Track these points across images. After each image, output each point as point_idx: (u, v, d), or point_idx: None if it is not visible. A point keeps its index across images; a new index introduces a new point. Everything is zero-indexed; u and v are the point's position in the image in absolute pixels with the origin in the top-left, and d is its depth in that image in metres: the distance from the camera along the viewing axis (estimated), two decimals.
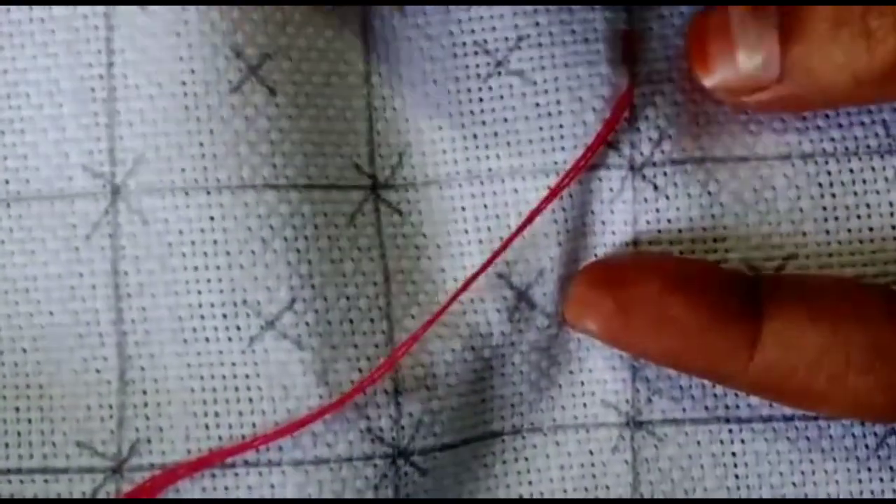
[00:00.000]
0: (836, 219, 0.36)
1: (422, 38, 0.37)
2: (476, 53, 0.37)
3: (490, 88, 0.37)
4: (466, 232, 0.36)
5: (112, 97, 0.35)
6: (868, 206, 0.36)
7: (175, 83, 0.35)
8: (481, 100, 0.37)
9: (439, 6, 0.37)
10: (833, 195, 0.36)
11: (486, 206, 0.36)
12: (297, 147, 0.36)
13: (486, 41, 0.37)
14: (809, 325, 0.33)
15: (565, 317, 0.36)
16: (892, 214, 0.36)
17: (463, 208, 0.37)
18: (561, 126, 0.36)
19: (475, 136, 0.37)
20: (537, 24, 0.36)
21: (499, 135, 0.36)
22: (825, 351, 0.33)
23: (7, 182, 0.35)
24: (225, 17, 0.35)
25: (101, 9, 0.35)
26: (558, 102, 0.36)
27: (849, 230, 0.36)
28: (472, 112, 0.37)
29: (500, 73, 0.37)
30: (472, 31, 0.37)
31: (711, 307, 0.34)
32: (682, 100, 0.36)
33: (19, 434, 0.35)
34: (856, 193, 0.36)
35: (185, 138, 0.35)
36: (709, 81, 0.35)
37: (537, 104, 0.36)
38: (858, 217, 0.36)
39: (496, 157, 0.36)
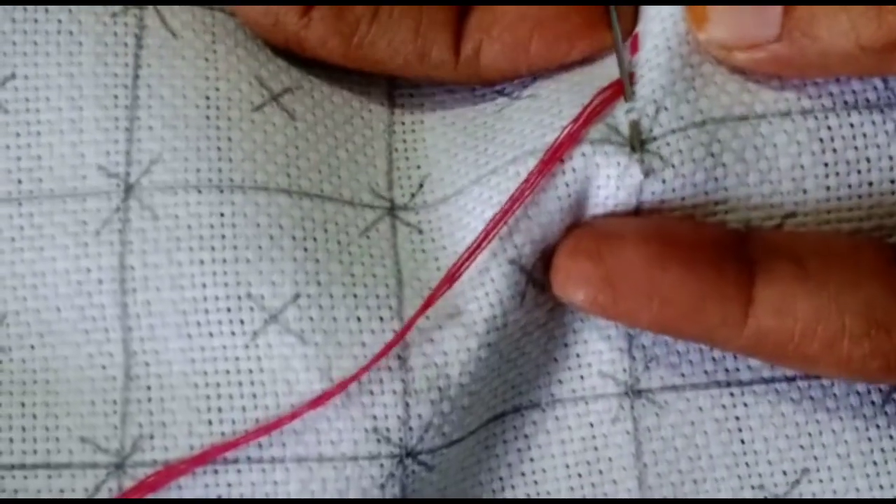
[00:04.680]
0: (837, 174, 0.35)
1: (444, 92, 0.38)
2: (494, 99, 0.38)
3: (503, 117, 0.37)
4: (477, 230, 0.36)
5: (135, 104, 0.36)
6: (868, 160, 0.35)
7: (200, 97, 0.36)
8: (494, 125, 0.37)
9: None
10: (834, 150, 0.35)
11: (491, 198, 0.36)
12: (314, 164, 0.36)
13: (504, 87, 0.38)
14: (803, 292, 0.32)
15: (552, 288, 0.35)
16: (891, 168, 0.35)
17: (473, 208, 0.36)
18: (560, 111, 0.36)
19: (486, 150, 0.37)
20: None
21: (506, 142, 0.36)
22: (819, 317, 0.32)
23: (20, 182, 0.36)
24: (251, 55, 0.37)
25: (132, 28, 0.36)
26: (559, 99, 0.36)
27: (849, 185, 0.35)
28: (485, 135, 0.37)
29: (512, 105, 0.37)
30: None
31: (702, 274, 0.33)
32: (679, 65, 0.35)
33: (24, 429, 0.35)
34: (856, 148, 0.35)
35: (203, 142, 0.35)
36: (704, 34, 0.34)
37: (541, 107, 0.36)
38: (859, 172, 0.35)
39: (502, 155, 0.36)
